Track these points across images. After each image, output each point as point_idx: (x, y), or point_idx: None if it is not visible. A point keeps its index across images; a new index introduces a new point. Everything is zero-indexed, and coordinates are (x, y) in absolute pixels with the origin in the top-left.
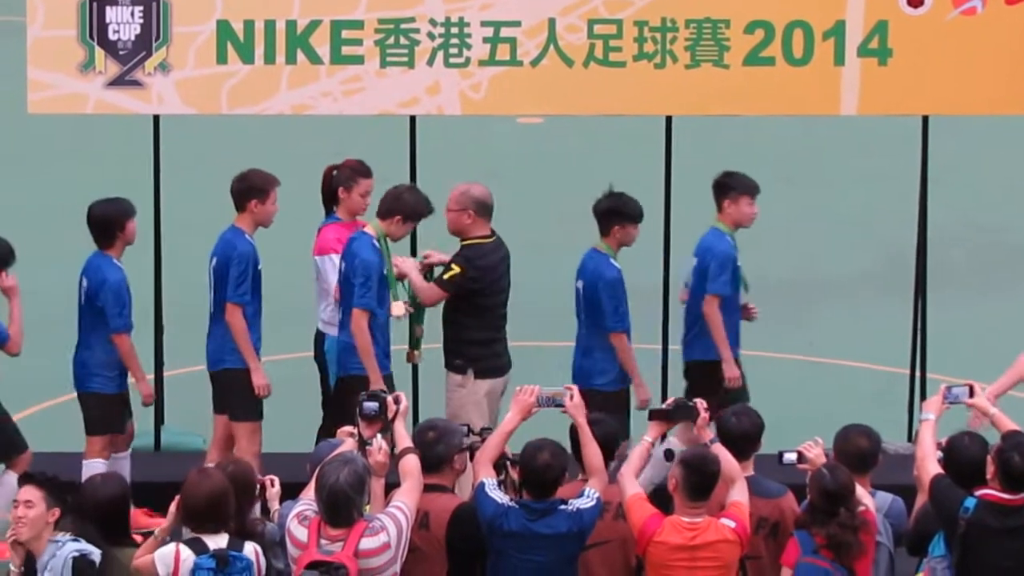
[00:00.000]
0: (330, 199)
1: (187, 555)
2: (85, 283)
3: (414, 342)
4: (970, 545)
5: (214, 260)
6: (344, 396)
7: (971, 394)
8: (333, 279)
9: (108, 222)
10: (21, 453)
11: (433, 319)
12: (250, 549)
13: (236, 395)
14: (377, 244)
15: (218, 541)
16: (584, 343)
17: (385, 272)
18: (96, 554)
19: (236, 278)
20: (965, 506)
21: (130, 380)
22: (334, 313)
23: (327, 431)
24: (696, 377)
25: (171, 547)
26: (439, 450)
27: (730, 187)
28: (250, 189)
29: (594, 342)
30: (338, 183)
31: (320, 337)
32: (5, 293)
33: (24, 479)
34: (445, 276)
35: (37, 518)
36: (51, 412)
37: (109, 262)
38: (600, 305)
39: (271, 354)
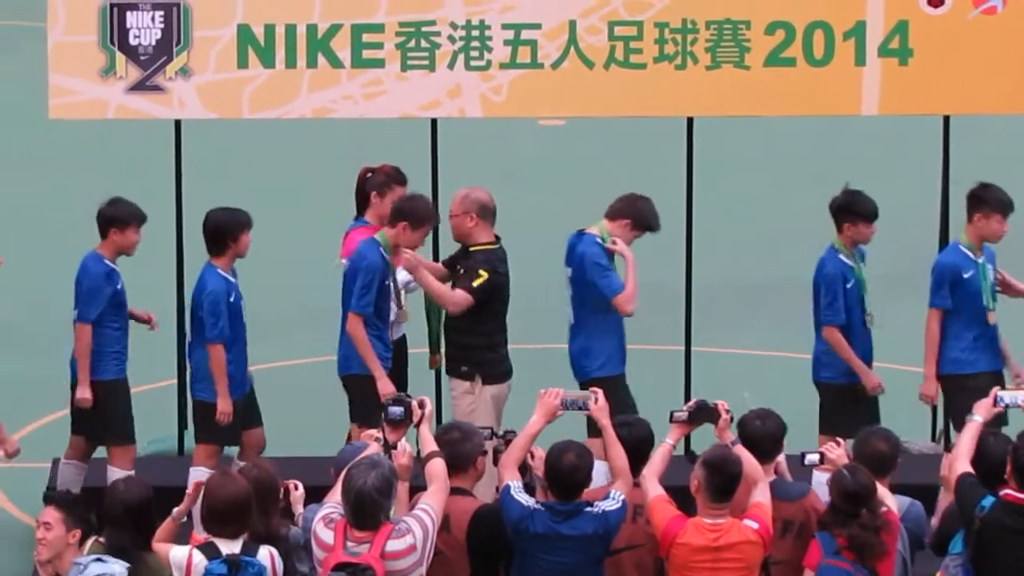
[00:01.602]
0: (362, 201)
1: (199, 560)
2: (192, 294)
3: (435, 346)
4: (984, 543)
5: (346, 267)
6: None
7: None
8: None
9: (220, 231)
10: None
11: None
12: (264, 554)
13: (359, 401)
14: (600, 241)
15: (232, 546)
16: (818, 340)
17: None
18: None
19: (360, 288)
20: (982, 505)
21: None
22: None
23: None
24: (949, 390)
25: (184, 550)
26: (466, 448)
27: (984, 201)
28: (406, 213)
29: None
30: (372, 187)
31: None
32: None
33: (46, 500)
34: (475, 284)
35: (56, 540)
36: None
37: (213, 272)
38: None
39: (295, 358)
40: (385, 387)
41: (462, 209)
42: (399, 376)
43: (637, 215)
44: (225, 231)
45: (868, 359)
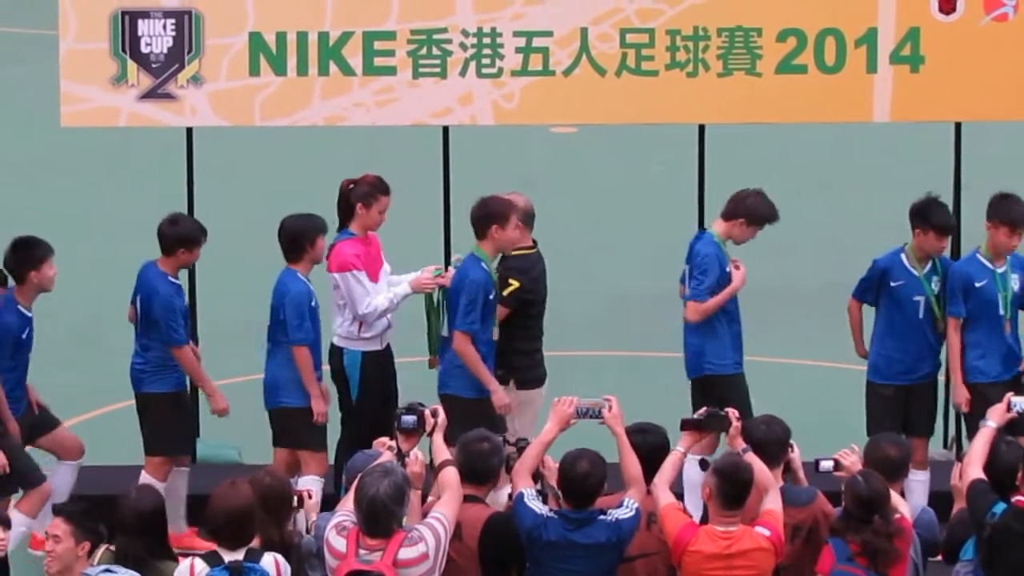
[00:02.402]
0: (346, 213)
1: (201, 568)
2: (272, 300)
3: (435, 347)
4: (995, 550)
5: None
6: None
7: None
8: (361, 295)
9: (297, 237)
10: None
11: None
12: (269, 561)
13: (461, 424)
14: (717, 241)
15: (236, 554)
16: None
17: (728, 269)
18: None
19: (466, 306)
20: (992, 511)
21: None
22: (352, 327)
23: (350, 443)
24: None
25: (187, 561)
26: (493, 462)
27: (994, 212)
28: (490, 215)
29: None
30: (357, 198)
31: (338, 351)
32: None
33: (55, 511)
34: (504, 293)
35: (65, 552)
36: (86, 425)
37: (293, 276)
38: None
39: None
40: (500, 399)
41: None
42: (388, 385)
43: (749, 212)
44: (302, 236)
45: (914, 359)
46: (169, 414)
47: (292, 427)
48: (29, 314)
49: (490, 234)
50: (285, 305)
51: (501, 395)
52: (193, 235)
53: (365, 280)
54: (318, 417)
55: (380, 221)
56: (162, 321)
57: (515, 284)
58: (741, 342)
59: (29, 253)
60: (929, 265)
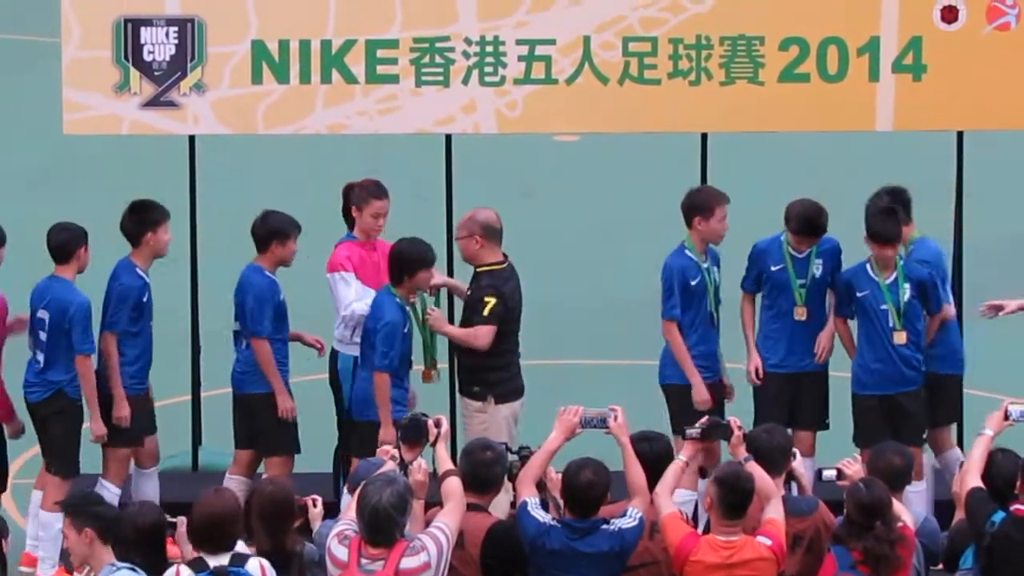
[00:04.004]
0: (349, 216)
1: (187, 574)
2: (368, 320)
3: (430, 360)
4: (995, 559)
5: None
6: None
7: None
8: (343, 296)
9: (404, 262)
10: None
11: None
12: (254, 564)
13: (678, 409)
14: (782, 241)
15: (220, 559)
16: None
17: (775, 268)
18: None
19: (662, 293)
20: (992, 520)
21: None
22: (345, 331)
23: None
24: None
25: (173, 568)
26: (496, 471)
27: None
28: (692, 207)
29: None
30: (352, 201)
31: (333, 355)
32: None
33: (69, 511)
34: (485, 312)
35: (74, 545)
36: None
37: (392, 300)
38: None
39: (312, 373)
40: (702, 394)
41: (467, 231)
42: None
43: (787, 220)
44: (414, 264)
45: (893, 368)
46: (272, 413)
47: (360, 439)
48: (148, 278)
49: (694, 224)
50: (378, 330)
51: (702, 390)
52: (282, 227)
53: (353, 281)
54: (382, 446)
55: (374, 225)
56: (249, 309)
57: (493, 301)
58: (789, 342)
59: (145, 216)
60: (894, 274)
